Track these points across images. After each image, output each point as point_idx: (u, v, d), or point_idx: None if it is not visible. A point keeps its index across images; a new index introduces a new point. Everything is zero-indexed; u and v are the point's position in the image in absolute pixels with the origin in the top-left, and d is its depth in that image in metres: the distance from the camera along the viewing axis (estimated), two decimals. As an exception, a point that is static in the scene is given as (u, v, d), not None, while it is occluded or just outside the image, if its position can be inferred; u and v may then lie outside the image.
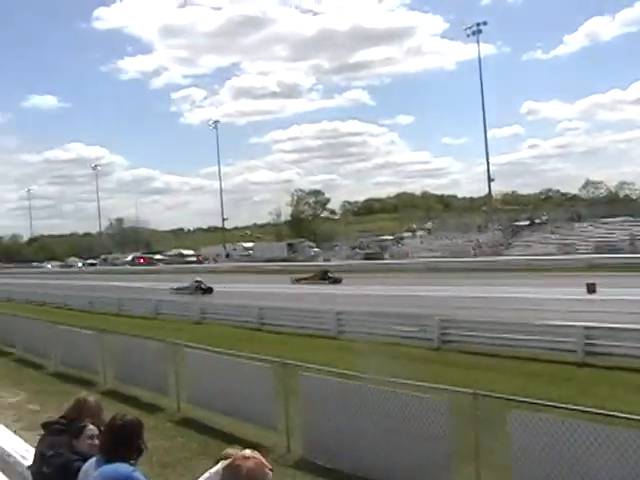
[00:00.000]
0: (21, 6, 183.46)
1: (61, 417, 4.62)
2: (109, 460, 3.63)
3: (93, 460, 3.76)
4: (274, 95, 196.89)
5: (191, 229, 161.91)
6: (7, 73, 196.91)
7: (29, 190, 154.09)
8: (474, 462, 7.25)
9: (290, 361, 10.22)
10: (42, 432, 4.63)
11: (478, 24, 73.63)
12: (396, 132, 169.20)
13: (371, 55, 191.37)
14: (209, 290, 39.28)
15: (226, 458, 3.06)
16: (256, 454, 3.02)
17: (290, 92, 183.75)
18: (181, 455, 9.75)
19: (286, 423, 9.69)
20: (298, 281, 43.32)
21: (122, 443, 3.66)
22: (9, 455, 7.65)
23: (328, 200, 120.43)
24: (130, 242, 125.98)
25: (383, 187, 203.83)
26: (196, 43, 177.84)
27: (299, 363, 10.20)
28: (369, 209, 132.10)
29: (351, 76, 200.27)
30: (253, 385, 10.32)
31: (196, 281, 40.19)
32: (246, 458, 2.96)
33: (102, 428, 4.01)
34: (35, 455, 4.67)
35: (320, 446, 9.11)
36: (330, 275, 43.50)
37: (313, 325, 21.30)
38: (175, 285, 40.95)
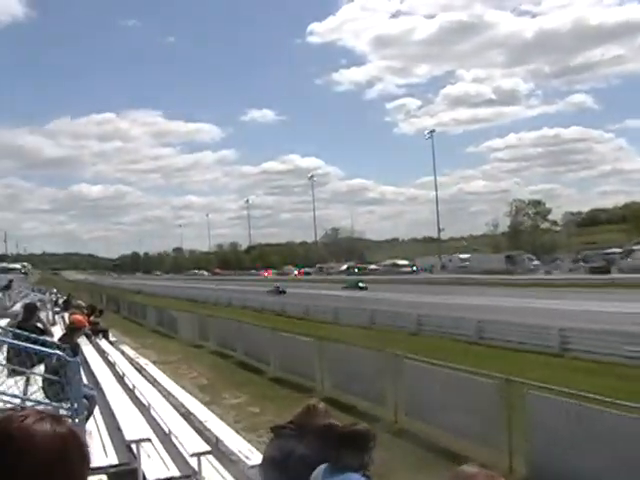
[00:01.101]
0: (241, 26, 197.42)
1: (290, 422, 4.69)
2: (340, 469, 3.58)
3: (322, 467, 3.74)
4: (490, 102, 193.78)
5: (405, 239, 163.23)
6: (228, 89, 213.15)
7: (248, 200, 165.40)
8: None
9: (515, 378, 9.74)
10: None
11: None
12: (624, 137, 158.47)
13: (596, 55, 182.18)
14: (283, 292, 57.90)
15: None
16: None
17: (507, 99, 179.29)
18: (398, 467, 9.63)
19: (509, 442, 9.25)
20: None
21: (355, 453, 3.59)
22: (233, 454, 8.04)
23: (549, 211, 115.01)
24: (345, 252, 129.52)
25: (609, 196, 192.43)
26: (409, 52, 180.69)
27: (525, 380, 9.68)
28: (594, 220, 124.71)
29: (573, 79, 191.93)
30: (474, 400, 9.98)
31: (276, 286, 61.23)
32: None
33: (330, 435, 3.98)
34: (264, 458, 4.78)
35: (547, 469, 8.55)
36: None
37: (533, 341, 20.34)
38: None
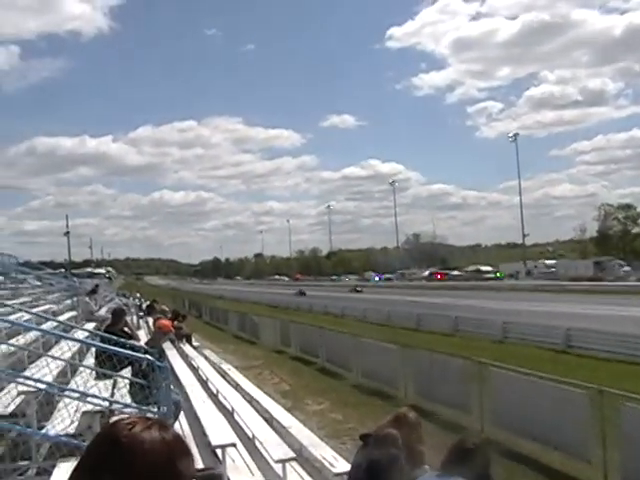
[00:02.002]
0: (320, 32, 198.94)
1: (379, 429, 4.64)
2: None
3: (427, 476, 3.68)
4: (576, 104, 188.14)
5: (488, 245, 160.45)
6: (308, 95, 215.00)
7: (329, 206, 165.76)
8: None
9: (609, 389, 9.39)
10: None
11: None
12: None
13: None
14: (304, 294, 70.37)
15: None
16: None
17: (594, 99, 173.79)
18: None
19: (603, 457, 8.92)
20: None
21: (474, 466, 3.53)
22: (317, 461, 8.05)
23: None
24: (426, 258, 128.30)
25: None
26: (491, 55, 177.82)
27: (619, 392, 9.31)
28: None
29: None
30: (564, 411, 9.68)
31: (299, 290, 73.33)
32: None
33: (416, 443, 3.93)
34: (352, 466, 4.76)
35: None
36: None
37: (626, 350, 19.59)
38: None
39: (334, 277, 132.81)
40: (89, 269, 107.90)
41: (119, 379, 7.62)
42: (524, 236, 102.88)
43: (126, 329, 10.88)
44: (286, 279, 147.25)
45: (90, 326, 14.14)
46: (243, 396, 12.69)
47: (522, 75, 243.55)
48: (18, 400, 6.69)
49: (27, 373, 7.35)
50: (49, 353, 8.50)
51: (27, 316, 9.58)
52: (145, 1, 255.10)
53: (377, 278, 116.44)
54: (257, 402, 12.15)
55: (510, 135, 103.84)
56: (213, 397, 12.58)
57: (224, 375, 15.79)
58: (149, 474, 1.30)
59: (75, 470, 1.35)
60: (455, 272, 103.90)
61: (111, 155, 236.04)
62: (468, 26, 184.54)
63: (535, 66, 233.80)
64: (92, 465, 1.32)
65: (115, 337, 7.48)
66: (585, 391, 9.57)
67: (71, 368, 9.33)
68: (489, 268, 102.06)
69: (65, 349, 8.87)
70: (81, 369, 8.94)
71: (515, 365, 12.85)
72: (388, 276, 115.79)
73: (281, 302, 58.30)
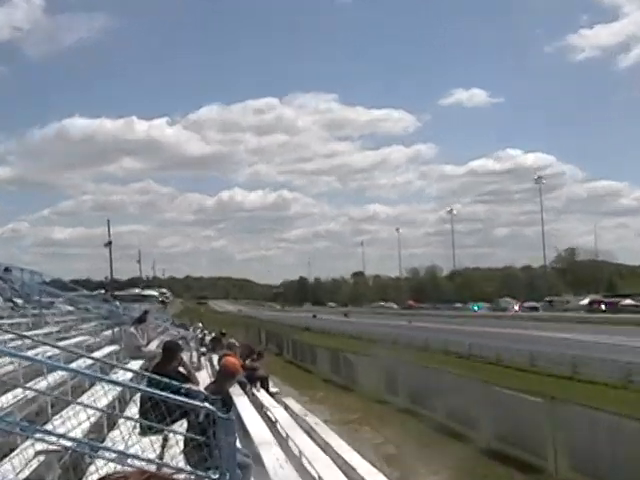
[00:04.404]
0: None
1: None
2: None
3: None
4: None
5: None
6: (425, 64, 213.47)
7: (451, 210, 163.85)
8: None
9: None
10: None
11: None
12: None
13: None
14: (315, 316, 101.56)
15: None
16: None
17: None
18: None
19: None
20: None
21: None
22: None
23: None
24: (586, 280, 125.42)
25: None
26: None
27: None
28: None
29: None
30: None
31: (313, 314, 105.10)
32: None
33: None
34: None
35: None
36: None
37: None
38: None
39: (458, 305, 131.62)
40: (137, 290, 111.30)
41: (170, 435, 7.68)
42: None
43: (182, 369, 11.02)
44: (395, 307, 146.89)
45: (135, 365, 14.41)
46: (334, 460, 12.62)
47: None
48: (35, 463, 6.66)
49: (49, 426, 7.36)
50: (80, 400, 8.63)
51: (53, 351, 9.75)
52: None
53: (516, 307, 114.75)
54: (352, 469, 12.06)
55: None
56: (294, 460, 12.55)
57: (310, 432, 15.79)
58: None
59: None
60: (627, 301, 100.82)
61: (166, 143, 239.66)
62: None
63: None
64: None
65: (167, 379, 7.54)
66: None
67: (108, 420, 9.41)
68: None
69: (101, 395, 9.01)
70: (121, 421, 9.01)
71: None
72: (532, 304, 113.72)
73: (387, 336, 58.11)
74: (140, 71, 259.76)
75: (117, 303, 26.51)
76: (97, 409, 8.45)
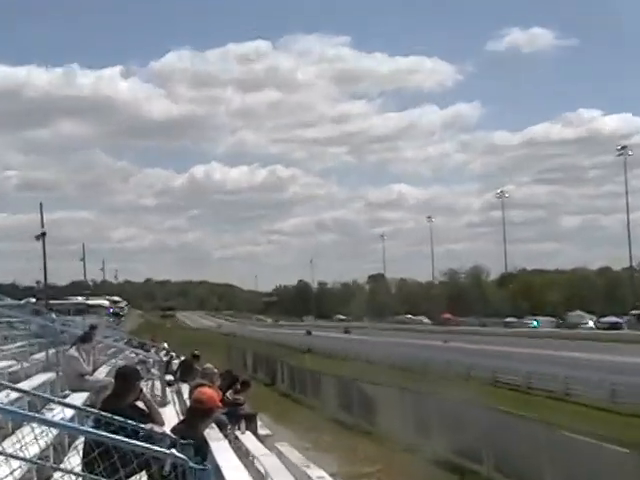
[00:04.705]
0: None
1: None
2: None
3: None
4: None
5: None
6: (467, 13, 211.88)
7: (501, 192, 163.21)
8: None
9: None
10: None
11: None
12: None
13: None
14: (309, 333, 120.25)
15: None
16: None
17: None
18: None
19: None
20: None
21: None
22: None
23: None
24: None
25: None
26: None
27: None
28: None
29: None
30: None
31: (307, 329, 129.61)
32: None
33: None
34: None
35: None
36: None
37: None
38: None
39: (512, 319, 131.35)
40: (80, 299, 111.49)
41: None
42: None
43: (140, 404, 10.98)
44: (426, 321, 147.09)
45: (78, 399, 14.36)
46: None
47: None
48: None
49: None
50: (0, 448, 8.52)
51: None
52: None
53: (591, 323, 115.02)
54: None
55: None
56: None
57: (312, 490, 15.76)
58: None
59: None
60: None
61: (120, 101, 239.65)
62: None
63: None
64: None
65: (121, 418, 7.47)
66: None
67: (40, 475, 9.31)
68: None
69: (30, 440, 8.91)
70: (57, 475, 8.92)
71: None
72: (612, 320, 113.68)
73: (415, 360, 58.11)
74: (84, 3, 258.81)
75: (53, 316, 26.49)
76: (25, 460, 8.34)
